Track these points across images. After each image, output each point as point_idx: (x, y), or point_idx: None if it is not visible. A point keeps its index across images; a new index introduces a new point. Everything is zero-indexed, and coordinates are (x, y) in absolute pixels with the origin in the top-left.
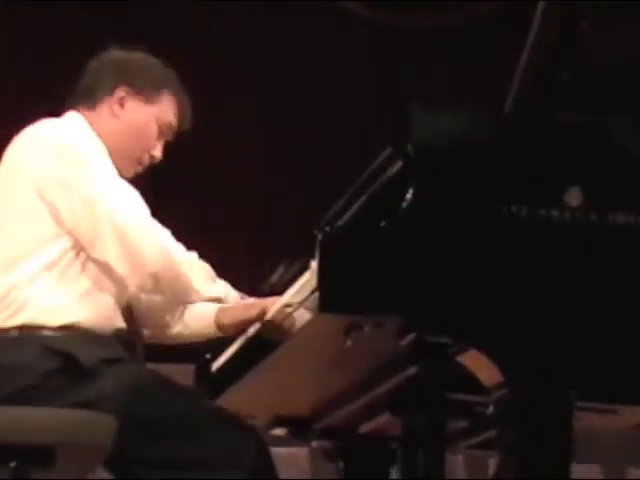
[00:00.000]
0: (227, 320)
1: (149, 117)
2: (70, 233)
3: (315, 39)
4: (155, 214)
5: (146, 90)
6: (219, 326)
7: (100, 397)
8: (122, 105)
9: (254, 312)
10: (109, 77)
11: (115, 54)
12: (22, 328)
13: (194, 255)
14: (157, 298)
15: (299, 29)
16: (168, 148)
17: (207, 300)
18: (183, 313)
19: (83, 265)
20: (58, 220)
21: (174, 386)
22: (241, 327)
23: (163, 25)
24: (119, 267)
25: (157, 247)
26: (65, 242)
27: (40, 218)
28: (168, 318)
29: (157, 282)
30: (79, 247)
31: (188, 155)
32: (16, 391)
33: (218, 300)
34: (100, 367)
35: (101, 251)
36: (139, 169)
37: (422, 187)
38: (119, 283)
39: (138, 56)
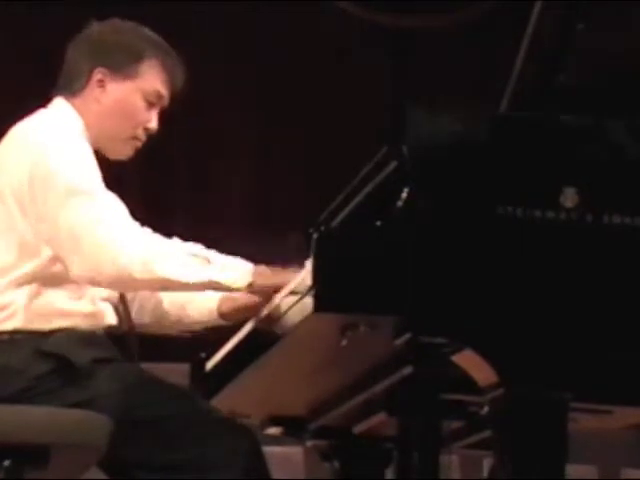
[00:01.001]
0: (228, 306)
1: (132, 93)
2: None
3: (314, 38)
4: (155, 221)
5: (124, 66)
6: (221, 314)
7: (94, 398)
8: (103, 87)
9: (255, 298)
10: (85, 61)
11: (89, 34)
12: (12, 333)
13: (161, 244)
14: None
15: (298, 27)
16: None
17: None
18: (182, 301)
19: (65, 272)
20: (32, 226)
21: (167, 386)
22: (243, 313)
23: (168, 23)
24: (75, 271)
25: (108, 259)
26: (49, 251)
27: (21, 226)
28: (166, 306)
29: (126, 287)
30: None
31: (183, 161)
32: (8, 395)
33: (211, 285)
34: (93, 368)
35: (57, 249)
36: (137, 144)
37: (417, 187)
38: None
39: (112, 29)
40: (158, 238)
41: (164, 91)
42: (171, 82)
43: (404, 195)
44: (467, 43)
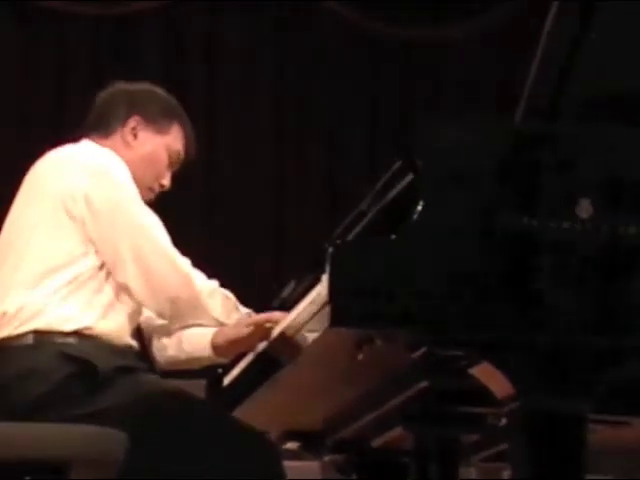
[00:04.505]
0: (220, 339)
1: (161, 147)
2: (98, 252)
3: (318, 52)
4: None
5: (157, 120)
6: (214, 347)
7: (113, 407)
8: (135, 135)
9: (245, 331)
10: (121, 107)
11: (123, 85)
12: (35, 333)
13: (215, 283)
14: (160, 321)
15: (306, 43)
16: (182, 176)
17: None
18: (179, 337)
19: (104, 282)
20: (86, 238)
21: (191, 398)
22: (235, 347)
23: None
24: (139, 291)
25: (178, 275)
26: (92, 261)
27: (68, 235)
28: (165, 340)
29: (177, 309)
30: (104, 266)
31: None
32: (32, 399)
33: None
34: (116, 375)
35: (122, 273)
36: (150, 196)
37: (432, 200)
38: (136, 303)
39: (146, 87)
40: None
41: (182, 155)
42: (187, 149)
43: (419, 209)
44: (480, 54)
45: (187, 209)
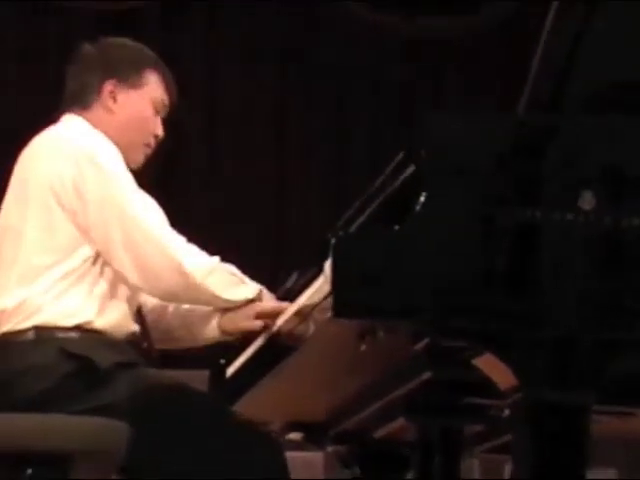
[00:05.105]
0: (230, 326)
1: (143, 101)
2: (92, 242)
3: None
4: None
5: (131, 76)
6: (223, 331)
7: (114, 402)
8: (114, 99)
9: (257, 324)
10: (94, 75)
11: (90, 50)
12: (37, 329)
13: (215, 260)
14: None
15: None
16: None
17: (239, 304)
18: (186, 317)
19: (101, 272)
20: (79, 229)
21: (191, 391)
22: (244, 333)
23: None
24: (135, 281)
25: (172, 267)
26: (87, 251)
27: (61, 228)
28: (171, 321)
29: (175, 297)
30: (99, 255)
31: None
32: (33, 395)
33: (251, 301)
34: (115, 371)
35: (117, 263)
36: (148, 152)
37: (435, 191)
38: (133, 289)
39: (111, 44)
40: (200, 251)
41: (166, 100)
42: (169, 92)
43: (421, 200)
44: (480, 46)
45: (189, 208)
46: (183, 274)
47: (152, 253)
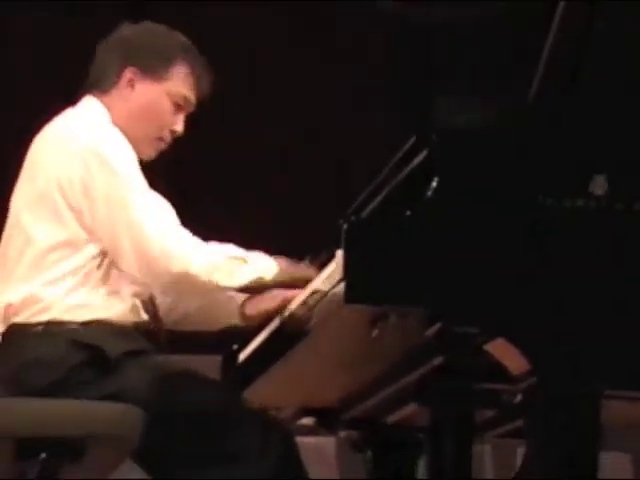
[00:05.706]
0: (251, 311)
1: (160, 95)
2: (99, 240)
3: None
4: (184, 216)
5: (154, 68)
6: (244, 316)
7: (125, 390)
8: (132, 87)
9: (276, 303)
10: (116, 60)
11: (121, 34)
12: (46, 324)
13: (217, 253)
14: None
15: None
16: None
17: (250, 285)
18: (206, 302)
19: (108, 268)
20: (85, 226)
21: (200, 379)
22: (265, 317)
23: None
24: (142, 279)
25: (178, 271)
26: (93, 249)
27: (68, 224)
28: (190, 304)
29: (186, 296)
30: (106, 253)
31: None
32: (44, 385)
33: (256, 282)
34: (125, 360)
35: (122, 261)
36: (162, 146)
37: (447, 176)
38: (142, 282)
39: (144, 31)
40: (202, 243)
41: (191, 96)
42: (198, 87)
43: (434, 184)
44: (496, 31)
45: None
46: (189, 276)
47: (156, 256)
